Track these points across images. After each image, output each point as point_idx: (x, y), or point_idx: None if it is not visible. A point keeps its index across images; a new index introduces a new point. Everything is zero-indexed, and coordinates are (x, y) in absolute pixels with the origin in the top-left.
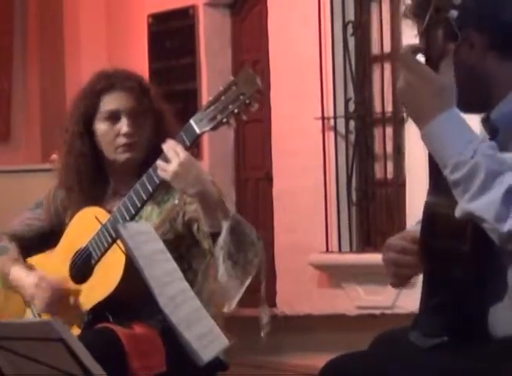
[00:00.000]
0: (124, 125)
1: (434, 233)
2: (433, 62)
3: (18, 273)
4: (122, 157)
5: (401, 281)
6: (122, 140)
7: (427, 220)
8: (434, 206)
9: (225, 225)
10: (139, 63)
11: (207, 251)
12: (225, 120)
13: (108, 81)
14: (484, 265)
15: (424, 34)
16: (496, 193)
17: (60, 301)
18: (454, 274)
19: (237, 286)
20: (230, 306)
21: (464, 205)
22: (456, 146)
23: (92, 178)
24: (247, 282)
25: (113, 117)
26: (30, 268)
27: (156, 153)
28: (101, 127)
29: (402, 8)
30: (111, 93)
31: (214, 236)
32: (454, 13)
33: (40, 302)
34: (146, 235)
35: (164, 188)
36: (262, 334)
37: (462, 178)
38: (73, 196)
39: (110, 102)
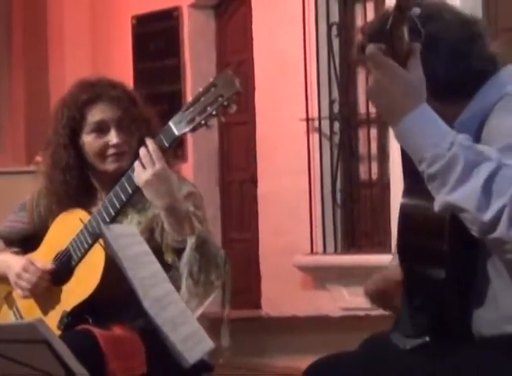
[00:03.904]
0: (113, 137)
1: (412, 235)
2: (399, 61)
3: (5, 256)
4: (111, 166)
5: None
6: (112, 151)
7: (403, 222)
8: (410, 207)
9: (190, 243)
10: (124, 65)
11: (170, 266)
12: (203, 122)
13: (92, 92)
14: (464, 263)
15: (389, 34)
16: (476, 182)
17: (43, 290)
18: (434, 274)
19: (196, 305)
20: None
21: (444, 197)
22: (432, 139)
23: (80, 189)
24: (206, 303)
25: (101, 128)
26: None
27: None
28: (89, 139)
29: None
30: (97, 104)
31: (182, 252)
32: (417, 10)
33: (25, 284)
34: (130, 237)
35: (144, 195)
36: (220, 361)
37: (440, 170)
38: (61, 204)
39: (97, 113)
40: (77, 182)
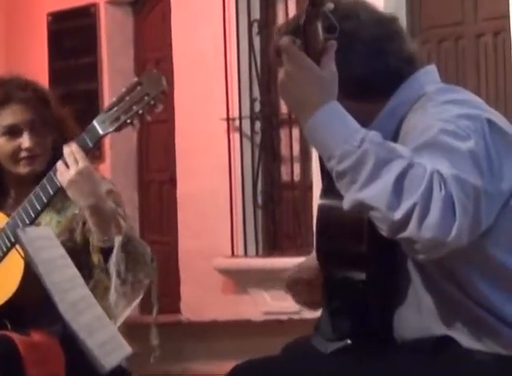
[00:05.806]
0: (25, 140)
1: (330, 236)
2: (314, 58)
3: None
4: (24, 170)
5: (309, 306)
6: (24, 154)
7: (321, 223)
8: (328, 208)
9: (117, 242)
10: (39, 63)
11: (96, 267)
12: (128, 121)
13: (3, 94)
14: (384, 265)
15: (302, 30)
16: (387, 180)
17: None
18: (354, 277)
19: (124, 305)
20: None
21: (353, 195)
22: (342, 135)
23: None
24: (135, 302)
25: (13, 131)
26: None
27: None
28: (0, 142)
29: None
30: (8, 107)
31: (108, 251)
32: (330, 5)
33: None
34: (46, 240)
35: (65, 195)
36: (152, 359)
37: (349, 167)
38: None
39: (8, 116)
40: None
